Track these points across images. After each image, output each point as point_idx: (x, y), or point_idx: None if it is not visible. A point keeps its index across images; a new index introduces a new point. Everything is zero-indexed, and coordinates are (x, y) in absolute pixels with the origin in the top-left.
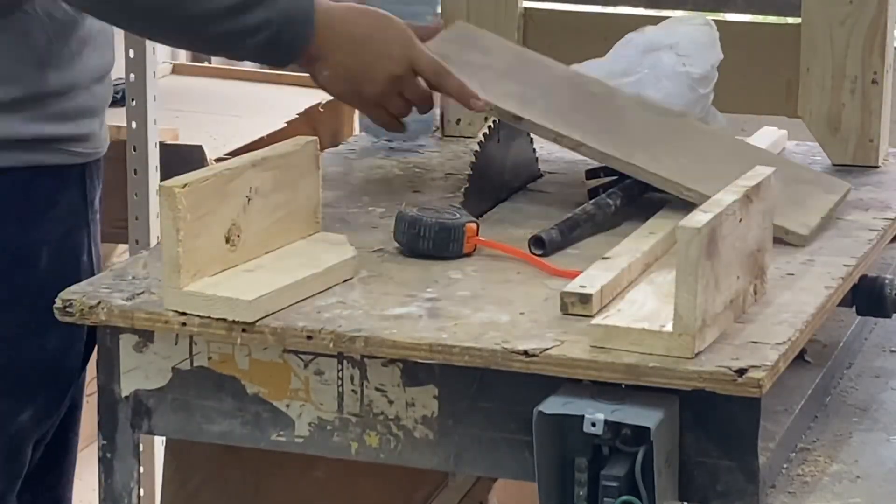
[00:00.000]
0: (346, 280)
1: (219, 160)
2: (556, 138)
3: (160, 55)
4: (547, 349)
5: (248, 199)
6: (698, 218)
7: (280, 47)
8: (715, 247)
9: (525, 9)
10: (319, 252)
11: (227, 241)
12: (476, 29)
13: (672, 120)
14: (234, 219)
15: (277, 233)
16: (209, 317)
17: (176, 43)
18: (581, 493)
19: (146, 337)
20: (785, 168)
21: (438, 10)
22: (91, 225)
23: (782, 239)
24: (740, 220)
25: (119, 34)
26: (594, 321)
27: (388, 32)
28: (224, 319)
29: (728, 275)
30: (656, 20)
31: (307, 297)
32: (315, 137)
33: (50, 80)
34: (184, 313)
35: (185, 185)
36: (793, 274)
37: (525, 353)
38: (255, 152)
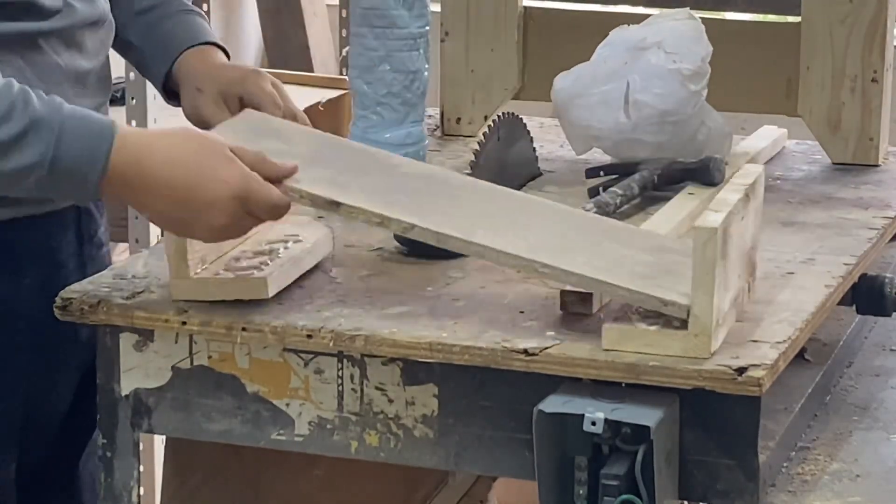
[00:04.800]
0: (330, 253)
1: None
2: (383, 221)
3: None
4: (547, 348)
5: None
6: (713, 218)
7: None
8: (726, 246)
9: (525, 8)
10: (298, 232)
11: None
12: (267, 116)
13: (513, 197)
14: None
15: None
16: (223, 301)
17: None
18: (581, 491)
19: (146, 336)
20: (648, 239)
21: (427, 27)
22: (88, 263)
23: (661, 310)
24: (742, 219)
25: None
26: (607, 324)
27: (207, 155)
28: (235, 306)
29: (733, 273)
30: None
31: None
32: None
33: None
34: (185, 311)
35: None
36: (793, 272)
37: (525, 351)
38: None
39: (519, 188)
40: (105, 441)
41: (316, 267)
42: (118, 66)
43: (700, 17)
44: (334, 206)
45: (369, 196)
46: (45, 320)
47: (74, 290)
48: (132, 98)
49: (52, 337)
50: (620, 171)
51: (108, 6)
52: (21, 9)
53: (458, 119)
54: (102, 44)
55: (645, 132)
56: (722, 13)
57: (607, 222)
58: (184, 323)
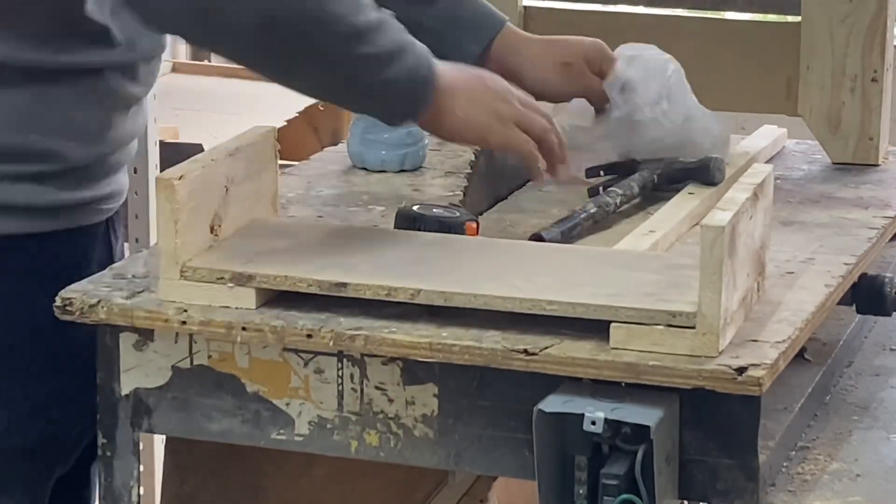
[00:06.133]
0: None
1: None
2: (390, 293)
3: None
4: (546, 347)
5: (227, 189)
6: (721, 216)
7: (409, 94)
8: (734, 245)
9: (525, 7)
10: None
11: (212, 231)
12: (278, 220)
13: (520, 247)
14: (216, 209)
15: (243, 222)
16: (212, 306)
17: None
18: (581, 491)
19: (146, 335)
20: (656, 260)
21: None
22: None
23: (670, 322)
24: (751, 218)
25: None
26: (615, 323)
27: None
28: (226, 307)
29: (742, 272)
30: (656, 18)
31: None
32: (273, 126)
33: (90, 152)
34: (184, 310)
35: (181, 177)
36: (793, 272)
37: (525, 351)
38: (227, 142)
39: (519, 188)
40: (105, 441)
41: None
42: None
43: (700, 17)
44: (340, 287)
45: (377, 271)
46: (77, 339)
47: (74, 289)
48: None
49: (81, 358)
50: (620, 171)
51: (164, 38)
52: (97, 35)
53: None
54: (152, 74)
55: (644, 132)
56: (722, 13)
57: (615, 252)
58: (184, 323)
